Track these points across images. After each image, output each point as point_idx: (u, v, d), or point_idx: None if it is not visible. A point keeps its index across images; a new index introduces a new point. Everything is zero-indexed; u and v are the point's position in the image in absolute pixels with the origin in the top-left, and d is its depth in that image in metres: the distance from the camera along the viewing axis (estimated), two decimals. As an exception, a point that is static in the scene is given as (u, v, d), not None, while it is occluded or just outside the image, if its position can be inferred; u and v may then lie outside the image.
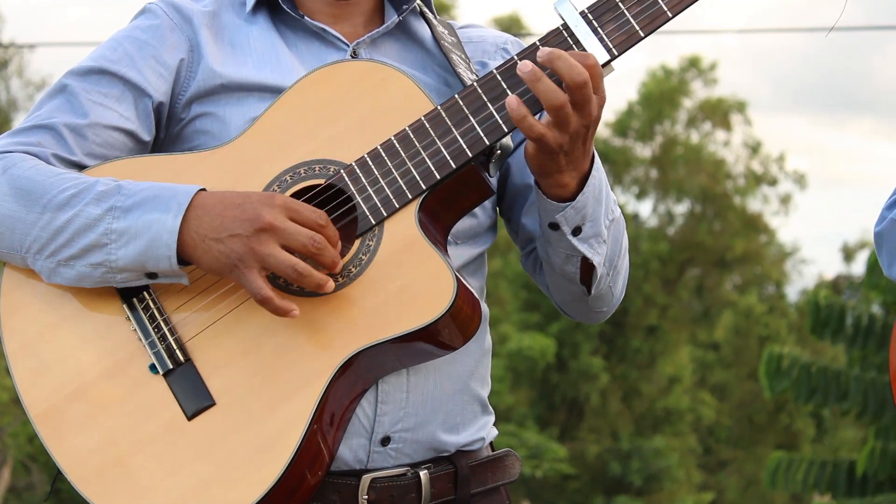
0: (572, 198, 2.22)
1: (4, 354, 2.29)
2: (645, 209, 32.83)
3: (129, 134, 2.33)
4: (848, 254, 34.07)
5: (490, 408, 2.46)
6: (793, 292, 32.70)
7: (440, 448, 2.33)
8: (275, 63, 2.33)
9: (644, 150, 32.19)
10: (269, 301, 2.12)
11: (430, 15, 2.42)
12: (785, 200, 32.86)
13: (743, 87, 55.32)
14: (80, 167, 2.29)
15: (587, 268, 2.29)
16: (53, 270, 2.23)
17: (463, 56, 2.38)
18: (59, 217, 2.20)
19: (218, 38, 2.36)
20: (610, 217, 2.29)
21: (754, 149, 32.61)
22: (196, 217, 2.16)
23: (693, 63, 31.88)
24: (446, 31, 2.41)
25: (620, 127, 31.81)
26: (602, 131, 31.72)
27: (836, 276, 31.33)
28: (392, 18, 2.40)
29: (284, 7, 2.37)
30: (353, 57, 2.36)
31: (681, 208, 32.33)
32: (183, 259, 2.17)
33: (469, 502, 2.35)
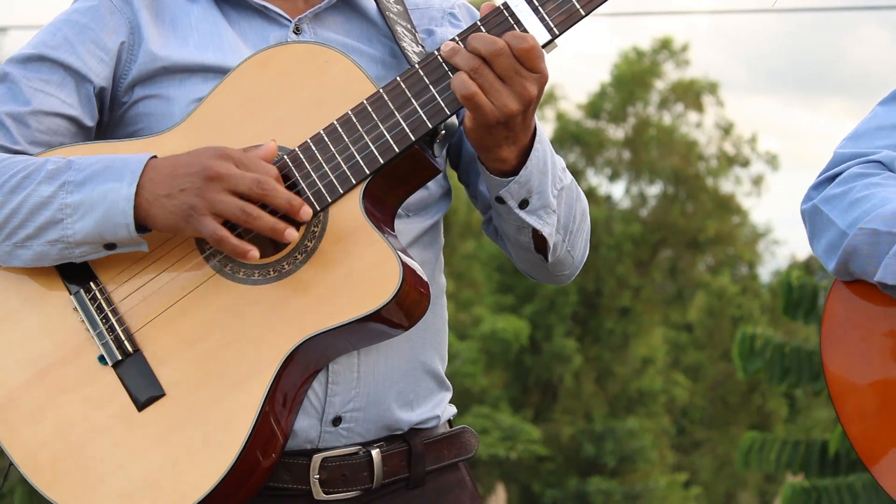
0: (514, 172, 2.22)
1: None
2: (618, 191, 33.05)
3: (72, 120, 2.32)
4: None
5: (447, 383, 2.45)
6: (765, 273, 32.93)
7: (394, 426, 2.33)
8: (217, 42, 2.31)
9: (617, 132, 32.27)
10: (225, 240, 2.12)
11: None
12: (757, 181, 33.03)
13: (715, 68, 55.60)
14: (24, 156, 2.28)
15: (540, 237, 2.29)
16: (10, 253, 2.22)
17: (409, 26, 2.37)
18: (12, 200, 2.20)
19: (158, 19, 2.34)
20: (559, 186, 2.28)
21: (726, 130, 32.76)
22: (150, 180, 2.16)
23: (665, 45, 31.96)
24: (392, 0, 2.39)
25: (593, 109, 31.85)
26: (575, 113, 31.83)
27: (808, 257, 31.42)
28: None
29: None
30: (295, 32, 2.34)
31: (653, 190, 32.46)
32: (140, 226, 2.16)
33: (424, 480, 2.35)
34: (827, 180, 2.42)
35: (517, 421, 25.62)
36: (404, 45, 2.30)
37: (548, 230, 2.27)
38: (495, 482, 25.33)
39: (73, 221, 2.18)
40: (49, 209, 2.18)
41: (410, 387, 2.34)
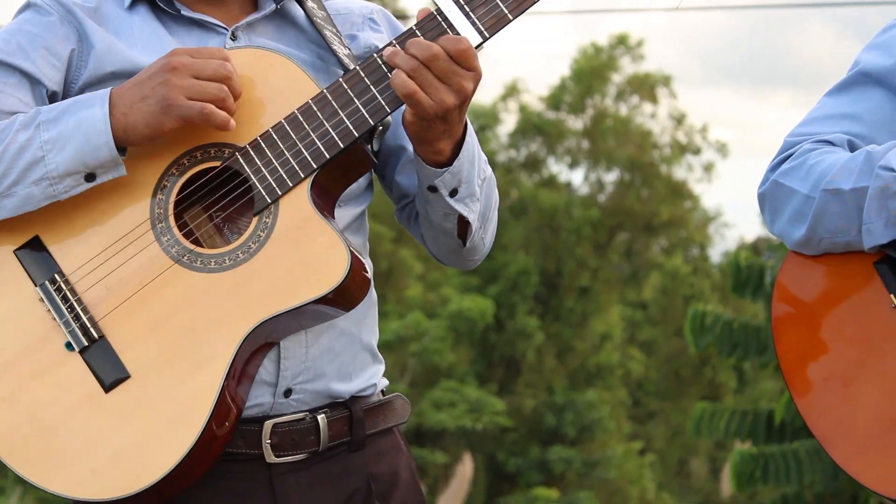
0: (448, 163, 2.26)
1: None
2: (577, 178, 32.88)
3: None
4: (763, 216, 34.19)
5: (380, 357, 2.50)
6: (715, 254, 32.95)
7: (336, 395, 2.37)
8: (160, 49, 2.30)
9: (576, 123, 32.20)
10: (210, 115, 2.15)
11: None
12: (708, 168, 33.03)
13: (669, 63, 55.64)
14: None
15: (463, 223, 2.34)
16: None
17: (334, 31, 2.39)
18: None
19: (102, 29, 2.34)
20: (482, 177, 2.33)
21: (679, 120, 32.74)
22: (118, 96, 2.18)
23: (621, 40, 31.91)
24: (316, 6, 2.42)
25: (553, 101, 31.78)
26: (536, 105, 31.77)
27: (755, 239, 31.55)
28: (267, 6, 2.40)
29: (162, 4, 2.36)
30: (232, 39, 2.35)
31: (610, 177, 32.42)
32: (119, 144, 2.18)
33: (364, 443, 2.39)
34: (781, 162, 2.42)
35: (483, 394, 25.62)
36: (335, 48, 2.33)
37: (472, 216, 2.32)
38: (462, 452, 25.33)
39: (55, 155, 2.19)
40: (29, 150, 2.18)
41: (349, 360, 2.38)
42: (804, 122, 2.45)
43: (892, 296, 2.30)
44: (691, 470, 29.56)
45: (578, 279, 29.50)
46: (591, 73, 31.67)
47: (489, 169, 2.36)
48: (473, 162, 2.29)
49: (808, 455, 8.59)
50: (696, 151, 32.86)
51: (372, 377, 2.43)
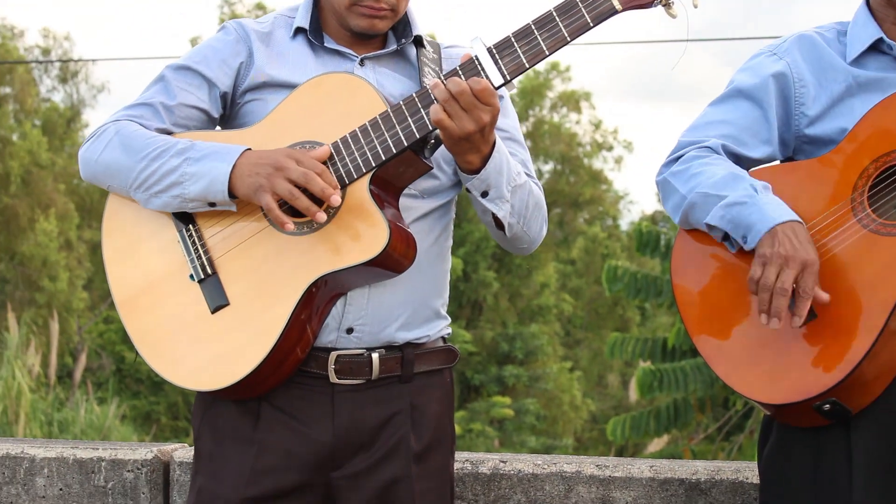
0: (477, 171, 2.22)
1: (103, 260, 2.34)
2: (522, 168, 32.83)
3: (204, 112, 2.36)
4: (659, 197, 34.26)
5: (444, 314, 2.42)
6: (624, 224, 32.97)
7: (392, 340, 2.32)
8: (303, 69, 2.34)
9: (522, 128, 32.09)
10: (272, 210, 2.16)
11: (422, 41, 2.42)
12: (618, 161, 33.02)
13: (589, 82, 55.35)
14: (169, 133, 2.33)
15: (497, 219, 2.30)
16: (147, 200, 2.27)
17: (437, 69, 2.39)
18: (152, 165, 2.25)
19: (268, 49, 2.37)
20: (512, 184, 2.28)
21: (596, 125, 32.67)
22: (241, 164, 2.20)
23: (554, 66, 31.80)
24: (432, 50, 2.42)
25: (505, 111, 31.67)
26: (492, 114, 31.54)
27: (653, 212, 31.56)
28: (391, 46, 2.40)
29: (312, 39, 2.37)
30: (360, 65, 2.36)
31: (547, 167, 32.35)
32: (231, 193, 2.21)
33: (412, 379, 2.33)
34: (673, 160, 2.41)
35: (455, 328, 25.60)
36: (424, 80, 2.31)
37: (502, 213, 2.27)
38: (440, 370, 25.36)
39: (190, 185, 2.22)
40: (175, 174, 2.23)
41: (409, 315, 2.32)
42: (692, 127, 2.44)
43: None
44: (608, 382, 29.70)
45: (524, 243, 29.45)
46: (532, 90, 31.56)
47: (523, 178, 2.31)
48: (501, 172, 2.24)
49: (692, 370, 8.66)
50: (610, 148, 32.84)
51: (430, 329, 2.37)
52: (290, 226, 2.16)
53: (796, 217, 2.21)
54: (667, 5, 2.15)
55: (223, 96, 2.36)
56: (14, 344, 12.77)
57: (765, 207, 2.22)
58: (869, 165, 2.24)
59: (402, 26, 2.41)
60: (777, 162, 2.41)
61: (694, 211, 2.32)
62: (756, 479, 2.70)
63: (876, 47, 2.33)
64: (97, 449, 2.89)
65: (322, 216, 2.16)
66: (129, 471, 2.85)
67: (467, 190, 2.27)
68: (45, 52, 28.26)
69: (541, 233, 2.42)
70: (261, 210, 2.24)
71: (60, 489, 2.87)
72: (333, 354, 2.27)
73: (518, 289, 29.12)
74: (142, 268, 2.30)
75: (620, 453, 14.71)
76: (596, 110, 36.08)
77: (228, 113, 2.39)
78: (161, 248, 2.30)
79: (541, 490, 2.75)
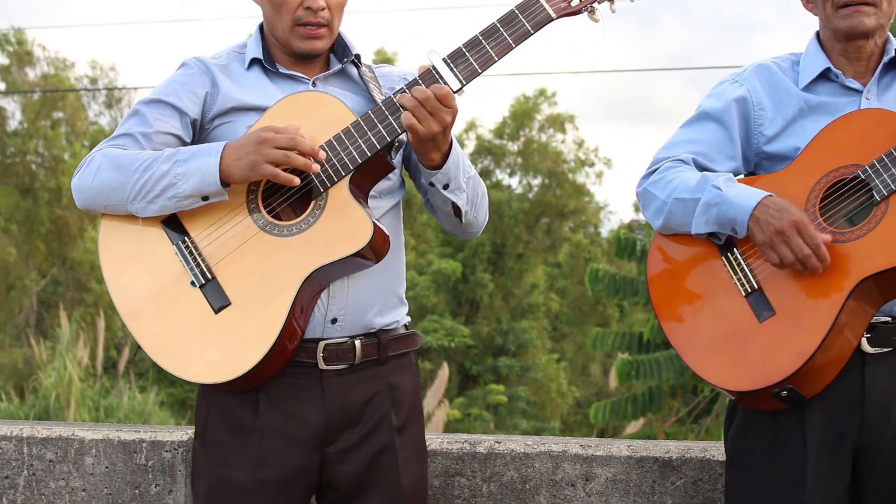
0: (439, 167, 2.26)
1: (103, 276, 2.28)
2: (514, 182, 32.89)
3: (177, 137, 2.33)
4: (637, 207, 34.40)
5: (405, 301, 2.45)
6: (605, 231, 32.95)
7: (369, 327, 2.33)
8: (265, 93, 2.34)
9: (513, 146, 32.06)
10: (277, 175, 2.15)
11: (359, 62, 2.43)
12: (599, 175, 32.87)
13: (573, 105, 55.37)
14: None
15: (456, 207, 2.33)
16: (145, 208, 2.24)
17: (377, 86, 2.41)
18: (144, 175, 2.23)
19: (229, 79, 2.37)
20: (466, 176, 2.32)
21: (580, 144, 32.63)
22: (226, 153, 2.19)
23: (542, 92, 31.80)
24: (367, 70, 2.43)
25: (498, 132, 31.63)
26: (487, 135, 31.58)
27: (630, 221, 31.56)
28: (335, 66, 2.42)
29: (267, 66, 2.37)
30: (312, 86, 2.36)
31: (536, 181, 32.34)
32: (225, 182, 2.19)
33: (387, 361, 2.36)
34: (651, 173, 2.42)
35: (455, 324, 25.58)
36: (375, 95, 2.33)
37: (461, 202, 2.31)
38: (442, 361, 25.32)
39: (183, 184, 2.19)
40: (167, 178, 2.20)
41: (382, 302, 2.34)
42: (666, 146, 2.45)
43: (721, 257, 2.31)
44: (590, 371, 29.67)
45: (516, 248, 29.49)
46: (522, 113, 31.58)
47: (473, 171, 2.36)
48: (458, 166, 2.28)
49: (665, 361, 8.65)
50: (591, 164, 32.79)
51: (397, 316, 2.39)
52: (297, 180, 2.15)
53: (762, 193, 2.23)
54: (591, 11, 2.22)
55: (193, 123, 2.34)
56: (65, 339, 12.79)
57: (735, 200, 2.24)
58: (821, 179, 2.26)
59: (341, 49, 2.41)
60: (742, 176, 2.42)
61: (674, 217, 2.33)
62: (722, 457, 2.70)
63: (825, 75, 2.36)
64: (139, 431, 2.90)
65: (315, 167, 2.16)
66: (167, 451, 2.85)
67: (430, 184, 2.28)
68: (93, 81, 28.32)
69: (486, 218, 2.45)
70: (250, 217, 2.23)
71: (106, 467, 2.88)
72: (321, 344, 2.28)
73: (511, 289, 29.13)
74: (143, 280, 2.26)
75: (602, 434, 14.71)
76: (579, 131, 36.15)
77: (198, 139, 2.37)
78: (158, 261, 2.26)
79: (531, 467, 2.76)
